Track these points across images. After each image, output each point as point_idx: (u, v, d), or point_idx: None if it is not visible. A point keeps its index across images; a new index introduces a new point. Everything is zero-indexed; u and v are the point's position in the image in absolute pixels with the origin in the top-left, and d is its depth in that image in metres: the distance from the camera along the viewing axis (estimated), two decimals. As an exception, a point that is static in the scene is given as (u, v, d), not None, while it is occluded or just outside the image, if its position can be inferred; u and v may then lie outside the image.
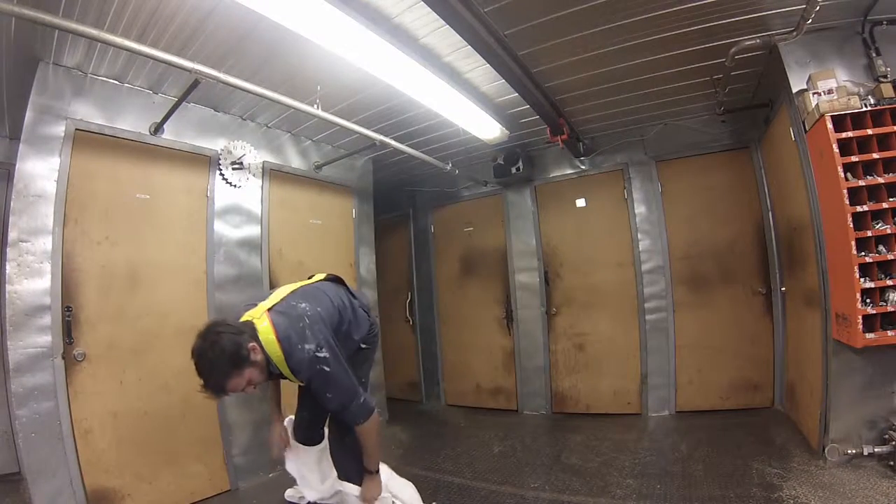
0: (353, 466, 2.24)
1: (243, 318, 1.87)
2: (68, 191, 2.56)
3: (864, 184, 2.44)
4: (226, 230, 3.30)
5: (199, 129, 3.23)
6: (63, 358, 2.45)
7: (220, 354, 1.65)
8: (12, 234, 2.38)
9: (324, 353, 1.80)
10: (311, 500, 2.43)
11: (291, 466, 2.45)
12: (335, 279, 2.33)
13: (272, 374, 1.88)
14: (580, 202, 4.62)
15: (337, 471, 2.38)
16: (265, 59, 2.75)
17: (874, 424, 2.57)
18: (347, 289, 2.33)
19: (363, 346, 2.30)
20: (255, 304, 1.94)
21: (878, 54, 2.62)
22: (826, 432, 2.70)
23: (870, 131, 2.46)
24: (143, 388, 2.75)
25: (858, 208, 2.43)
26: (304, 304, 1.94)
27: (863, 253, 2.43)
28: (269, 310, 1.89)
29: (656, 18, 2.58)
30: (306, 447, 2.43)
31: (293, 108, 2.86)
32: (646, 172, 4.33)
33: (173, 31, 2.41)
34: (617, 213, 4.42)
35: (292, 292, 2.05)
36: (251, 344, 1.73)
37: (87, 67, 2.67)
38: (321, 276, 2.35)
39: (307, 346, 1.79)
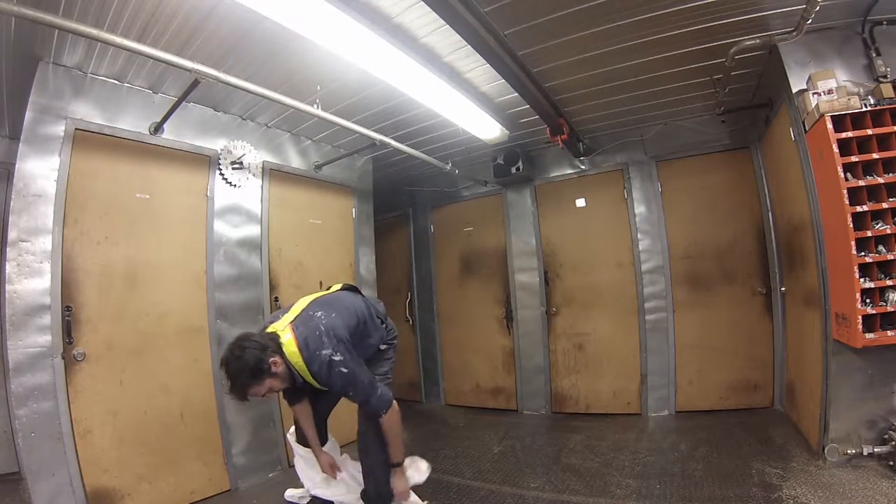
0: (379, 458, 2.31)
1: (269, 330, 2.05)
2: (68, 191, 2.56)
3: (863, 184, 2.44)
4: (226, 230, 3.30)
5: (199, 128, 3.23)
6: (63, 358, 2.44)
7: (242, 367, 1.85)
8: (12, 234, 2.38)
9: (339, 357, 1.95)
10: (314, 493, 2.52)
11: (298, 463, 2.56)
12: (350, 288, 2.51)
13: (296, 384, 2.05)
14: (580, 202, 4.62)
15: (362, 466, 2.45)
16: (265, 58, 2.74)
17: (874, 424, 2.57)
18: (363, 297, 2.49)
19: (382, 347, 2.44)
20: (279, 318, 2.12)
21: (878, 54, 2.62)
22: (826, 432, 2.70)
23: (870, 131, 2.46)
24: (143, 388, 2.75)
25: (858, 208, 2.43)
26: (320, 313, 2.09)
27: (863, 253, 2.43)
28: (291, 322, 2.05)
29: (656, 18, 2.58)
30: (308, 449, 2.46)
31: (293, 108, 2.85)
32: (646, 172, 4.33)
33: (173, 30, 2.41)
34: (617, 213, 4.42)
35: (311, 303, 2.20)
36: (273, 359, 1.91)
37: (87, 67, 2.67)
38: (338, 286, 2.52)
39: (324, 352, 1.94)
